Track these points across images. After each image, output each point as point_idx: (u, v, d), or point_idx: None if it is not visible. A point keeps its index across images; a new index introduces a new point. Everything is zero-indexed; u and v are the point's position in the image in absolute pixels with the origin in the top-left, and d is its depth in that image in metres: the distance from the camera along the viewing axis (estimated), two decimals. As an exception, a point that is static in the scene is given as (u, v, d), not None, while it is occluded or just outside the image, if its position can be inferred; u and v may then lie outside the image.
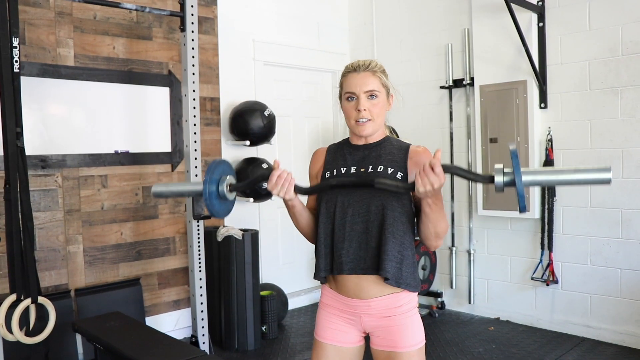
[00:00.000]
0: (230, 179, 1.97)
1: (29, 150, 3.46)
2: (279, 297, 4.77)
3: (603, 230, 4.32)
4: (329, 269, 2.03)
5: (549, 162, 4.48)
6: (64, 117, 4.04)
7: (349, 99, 2.03)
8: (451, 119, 5.16)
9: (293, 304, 5.26)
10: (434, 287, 5.27)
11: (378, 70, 2.02)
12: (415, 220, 2.04)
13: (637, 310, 4.19)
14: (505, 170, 1.67)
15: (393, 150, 2.04)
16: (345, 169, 2.06)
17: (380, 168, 2.00)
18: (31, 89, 3.79)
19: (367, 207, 1.97)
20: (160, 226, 4.50)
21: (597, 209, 4.34)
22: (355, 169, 2.04)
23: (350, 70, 2.04)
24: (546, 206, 4.52)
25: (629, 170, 4.17)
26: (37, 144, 3.87)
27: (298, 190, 1.97)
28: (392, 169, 1.99)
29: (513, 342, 4.41)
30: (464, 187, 5.11)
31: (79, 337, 3.97)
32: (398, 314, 1.99)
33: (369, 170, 2.01)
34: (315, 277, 2.08)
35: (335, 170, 2.07)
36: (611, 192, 4.26)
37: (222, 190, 1.94)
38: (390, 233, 1.95)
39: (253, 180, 2.08)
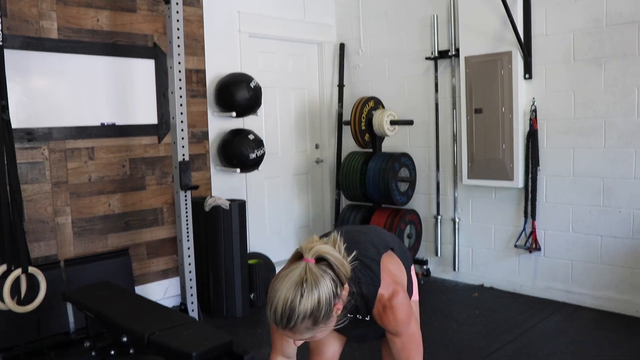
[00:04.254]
0: None
1: (14, 124, 3.46)
2: (267, 265, 4.84)
3: (585, 199, 4.41)
4: None
5: (533, 132, 4.54)
6: (49, 90, 4.02)
7: None
8: (436, 90, 5.19)
9: (281, 273, 5.32)
10: (420, 255, 5.36)
11: (295, 328, 1.65)
12: None
13: (616, 275, 4.30)
14: None
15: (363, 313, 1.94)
16: None
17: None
18: (15, 62, 3.77)
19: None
20: (148, 197, 4.53)
21: (579, 178, 4.42)
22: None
23: (276, 323, 1.67)
24: (530, 175, 4.59)
25: (611, 140, 4.24)
26: (22, 117, 3.86)
27: None
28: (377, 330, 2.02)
29: (496, 307, 4.52)
30: (449, 157, 5.17)
31: (69, 307, 4.03)
32: None
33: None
34: None
35: None
36: (593, 162, 4.33)
37: None
38: None
39: None
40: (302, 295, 1.60)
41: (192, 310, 4.02)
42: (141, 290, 4.44)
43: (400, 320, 1.86)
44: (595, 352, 3.66)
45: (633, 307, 4.21)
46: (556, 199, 4.56)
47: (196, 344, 2.62)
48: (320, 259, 1.66)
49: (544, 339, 3.88)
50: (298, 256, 1.70)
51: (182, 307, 4.04)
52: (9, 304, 3.14)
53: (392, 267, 1.90)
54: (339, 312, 1.72)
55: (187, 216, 3.89)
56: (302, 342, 1.81)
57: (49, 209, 4.04)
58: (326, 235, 1.95)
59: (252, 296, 4.57)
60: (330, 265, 1.66)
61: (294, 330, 1.65)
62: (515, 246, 4.78)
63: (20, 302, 3.23)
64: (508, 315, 4.34)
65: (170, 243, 4.64)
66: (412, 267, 2.22)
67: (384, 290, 1.84)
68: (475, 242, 5.09)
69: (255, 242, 5.22)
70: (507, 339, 3.89)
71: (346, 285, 1.73)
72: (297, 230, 5.72)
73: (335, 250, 1.70)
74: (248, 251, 4.75)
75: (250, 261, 4.61)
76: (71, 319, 4.08)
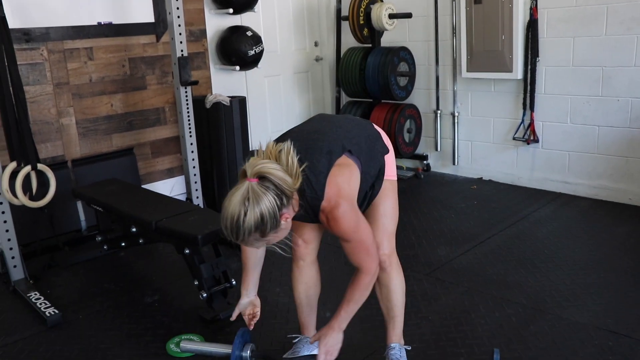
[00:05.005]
0: (252, 346, 2.30)
1: (10, 24, 3.44)
2: (270, 162, 4.93)
3: (583, 89, 4.41)
4: None
5: (533, 21, 4.48)
6: (42, -12, 3.97)
7: None
8: (436, -19, 5.07)
9: (284, 170, 5.41)
10: (420, 150, 5.44)
11: (246, 241, 1.79)
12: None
13: (611, 165, 4.38)
14: None
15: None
16: None
17: None
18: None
19: None
20: (149, 97, 4.56)
21: (578, 68, 4.40)
22: None
23: (229, 237, 1.81)
24: (529, 66, 4.57)
25: (612, 27, 4.18)
26: (17, 18, 3.82)
27: None
28: None
29: (494, 198, 4.65)
30: (448, 50, 5.12)
31: (79, 206, 4.16)
32: None
33: None
34: None
35: None
36: (593, 50, 4.30)
37: (246, 357, 2.27)
38: None
39: (268, 356, 2.44)
40: (245, 214, 1.71)
41: (198, 204, 4.16)
42: (148, 188, 4.56)
43: (344, 230, 1.93)
44: (587, 236, 3.80)
45: (626, 195, 4.33)
46: (555, 89, 4.56)
47: (202, 227, 2.75)
48: (262, 177, 1.74)
49: (538, 225, 4.03)
50: (244, 174, 1.77)
51: (188, 201, 4.17)
52: (22, 199, 3.26)
53: (340, 179, 1.92)
54: (289, 219, 1.83)
55: (188, 112, 3.93)
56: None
57: (53, 110, 4.09)
58: (283, 138, 2.00)
59: (255, 191, 4.68)
60: (272, 182, 1.74)
61: (244, 242, 1.80)
62: (514, 139, 4.84)
63: (32, 198, 3.35)
64: (505, 205, 4.47)
65: (174, 142, 4.72)
66: (390, 151, 2.21)
67: (326, 203, 1.90)
68: (475, 135, 5.15)
69: (257, 140, 5.27)
70: (503, 226, 4.03)
71: (295, 195, 1.83)
72: (299, 129, 5.77)
73: (277, 169, 1.75)
74: (251, 149, 4.83)
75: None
76: (82, 217, 4.22)
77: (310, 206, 1.92)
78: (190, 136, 3.99)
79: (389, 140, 2.26)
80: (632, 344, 2.55)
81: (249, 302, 2.26)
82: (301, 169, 1.83)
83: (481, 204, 4.54)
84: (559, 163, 4.66)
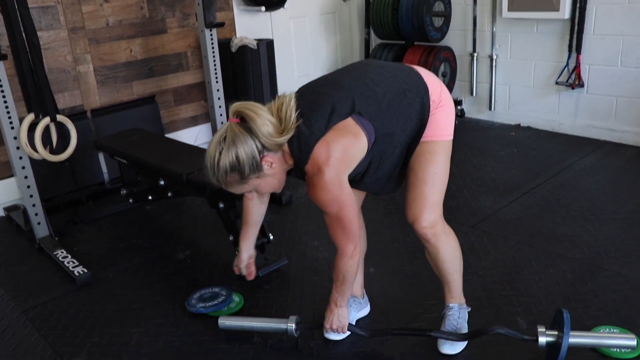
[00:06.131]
0: (297, 318, 2.22)
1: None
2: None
3: (639, 28, 4.08)
4: None
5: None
6: None
7: None
8: None
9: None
10: (454, 95, 5.16)
11: (225, 182, 1.76)
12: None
13: (664, 110, 4.11)
14: (548, 332, 2.00)
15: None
16: None
17: None
18: None
19: None
20: (170, 41, 4.31)
21: (636, 5, 4.04)
22: None
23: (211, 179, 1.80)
24: (578, 4, 4.23)
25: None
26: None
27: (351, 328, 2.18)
28: None
29: (534, 146, 4.41)
30: (487, -12, 4.79)
31: (101, 157, 4.00)
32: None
33: None
34: None
35: None
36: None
37: (291, 329, 2.20)
38: None
39: (315, 325, 2.25)
40: (220, 153, 1.69)
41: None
42: (171, 137, 4.37)
43: (321, 200, 1.78)
44: (637, 186, 3.58)
45: (677, 142, 4.08)
46: (606, 30, 4.22)
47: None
48: (243, 119, 1.69)
49: (584, 174, 3.80)
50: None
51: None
52: (42, 152, 3.07)
53: (334, 146, 1.72)
54: (274, 165, 1.75)
55: (214, 56, 3.69)
56: (254, 194, 1.91)
57: (69, 57, 3.87)
58: (303, 87, 1.91)
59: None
60: (251, 125, 1.68)
61: (225, 184, 1.76)
62: (557, 83, 4.54)
63: (52, 151, 3.17)
64: (547, 153, 4.24)
65: (197, 89, 4.50)
66: (441, 107, 1.93)
67: (310, 167, 1.76)
68: (513, 79, 4.86)
69: (283, 86, 5.04)
70: (547, 175, 3.82)
71: (286, 147, 1.75)
72: (326, 72, 5.51)
73: (260, 114, 1.68)
74: (278, 95, 4.62)
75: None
76: (104, 169, 4.07)
77: (297, 165, 1.80)
78: (217, 82, 3.76)
79: (446, 94, 1.97)
80: None
81: (248, 257, 2.24)
82: (297, 124, 1.72)
83: (521, 151, 4.31)
84: (605, 109, 4.38)
